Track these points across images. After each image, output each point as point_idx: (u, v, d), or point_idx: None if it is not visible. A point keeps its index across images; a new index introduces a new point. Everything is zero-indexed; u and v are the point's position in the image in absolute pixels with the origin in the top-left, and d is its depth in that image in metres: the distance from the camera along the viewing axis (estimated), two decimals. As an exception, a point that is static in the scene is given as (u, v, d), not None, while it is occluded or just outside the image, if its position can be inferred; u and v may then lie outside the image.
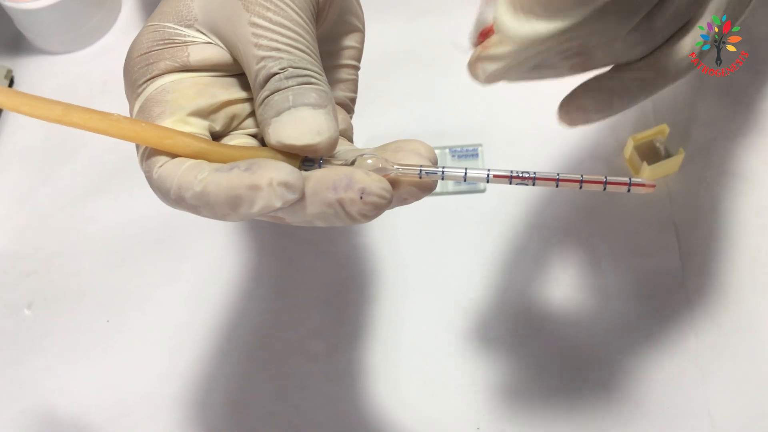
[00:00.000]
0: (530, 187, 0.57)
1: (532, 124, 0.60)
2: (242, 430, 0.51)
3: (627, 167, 0.58)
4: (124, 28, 0.70)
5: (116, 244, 0.58)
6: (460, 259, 0.56)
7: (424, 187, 0.31)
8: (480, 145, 0.60)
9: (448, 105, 0.62)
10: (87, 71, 0.67)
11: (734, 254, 0.54)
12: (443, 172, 0.30)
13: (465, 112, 0.62)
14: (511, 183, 0.31)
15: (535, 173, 0.30)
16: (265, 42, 0.29)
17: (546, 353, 0.52)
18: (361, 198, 0.28)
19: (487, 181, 0.31)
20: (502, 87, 0.62)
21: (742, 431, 0.49)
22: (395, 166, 0.30)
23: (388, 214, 0.57)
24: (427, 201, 0.58)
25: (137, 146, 0.30)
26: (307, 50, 0.30)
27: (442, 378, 0.52)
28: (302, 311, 0.55)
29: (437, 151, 0.59)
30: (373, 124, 0.59)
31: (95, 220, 0.60)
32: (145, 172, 0.30)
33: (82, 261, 0.58)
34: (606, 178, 0.30)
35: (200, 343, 0.54)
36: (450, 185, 0.58)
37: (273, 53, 0.29)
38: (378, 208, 0.28)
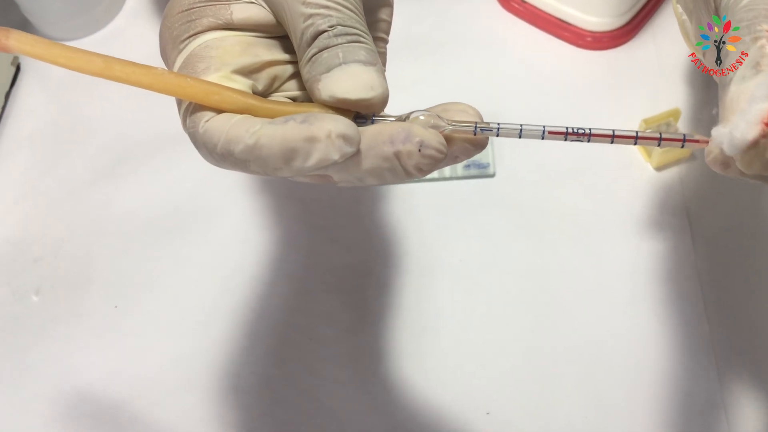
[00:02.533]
0: (539, 171, 0.58)
1: (543, 109, 0.60)
2: (252, 414, 0.51)
3: (638, 151, 0.57)
4: (132, 13, 0.69)
5: (124, 229, 0.58)
6: (470, 244, 0.55)
7: (477, 143, 0.30)
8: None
9: (456, 90, 0.62)
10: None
11: (748, 240, 0.53)
12: (499, 128, 0.30)
13: (474, 97, 0.60)
14: (566, 139, 0.30)
15: (590, 129, 0.30)
16: None
17: (556, 340, 0.51)
18: (419, 151, 0.27)
19: (542, 138, 0.30)
20: (509, 75, 0.63)
21: (758, 427, 0.48)
22: (450, 123, 0.29)
23: (400, 197, 0.57)
24: (436, 186, 0.58)
25: (179, 102, 0.30)
26: (355, 9, 0.30)
27: (452, 363, 0.51)
28: (312, 296, 0.54)
29: (446, 136, 0.58)
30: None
31: (103, 206, 0.59)
32: (189, 128, 0.29)
33: (89, 247, 0.58)
34: (660, 134, 0.29)
35: (209, 329, 0.54)
36: (460, 170, 0.58)
37: (321, 10, 0.29)
38: (435, 162, 0.28)
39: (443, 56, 0.64)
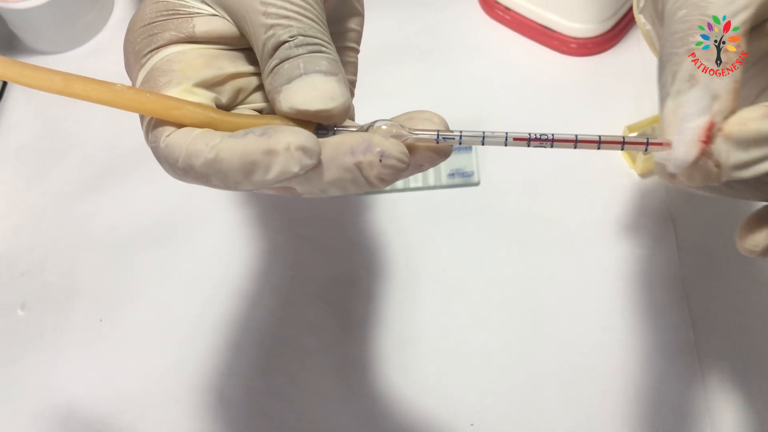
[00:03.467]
0: (524, 179, 0.57)
1: (527, 116, 0.60)
2: (236, 427, 0.51)
3: (622, 158, 0.57)
4: (118, 26, 0.70)
5: (109, 242, 0.58)
6: (454, 253, 0.55)
7: (441, 152, 0.30)
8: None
9: (441, 97, 0.62)
10: (81, 69, 0.66)
11: (732, 246, 0.53)
12: (461, 135, 0.30)
13: (459, 105, 0.61)
14: (529, 145, 0.30)
15: (553, 135, 0.30)
16: (273, 10, 0.29)
17: (541, 348, 0.51)
18: (380, 161, 0.27)
19: (505, 144, 0.30)
20: (493, 82, 0.63)
21: (741, 430, 0.48)
22: (412, 132, 0.29)
23: (384, 206, 0.57)
24: (420, 195, 0.58)
25: (142, 118, 0.30)
26: (317, 19, 0.29)
27: (437, 373, 0.51)
28: (296, 307, 0.54)
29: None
30: (366, 116, 0.58)
31: (88, 219, 0.59)
32: (151, 143, 0.29)
33: (75, 260, 0.58)
34: (624, 138, 0.29)
35: (195, 340, 0.53)
36: (444, 178, 0.58)
37: (282, 21, 0.29)
38: (397, 172, 0.28)
39: (428, 64, 0.64)
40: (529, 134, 0.30)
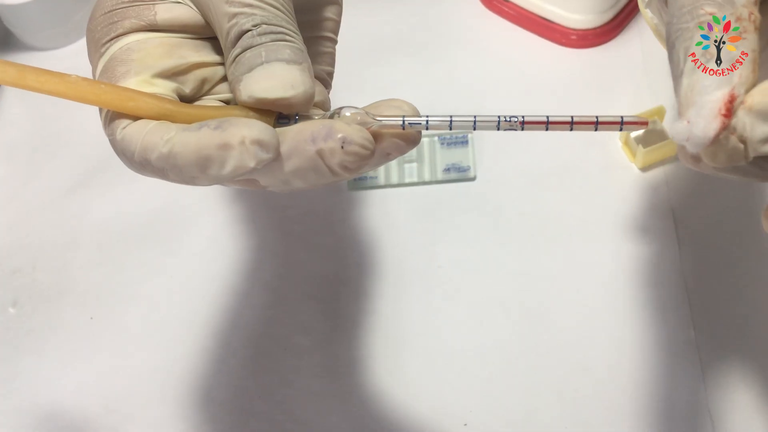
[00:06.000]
0: (522, 174, 0.56)
1: (527, 109, 0.58)
2: (225, 427, 0.50)
3: (622, 151, 0.56)
4: (112, 22, 0.69)
5: (101, 240, 0.57)
6: (450, 250, 0.54)
7: (408, 138, 0.29)
8: (470, 132, 0.58)
9: (436, 93, 0.60)
10: (75, 66, 0.66)
11: (734, 242, 0.52)
12: (427, 121, 0.28)
13: (454, 100, 0.60)
14: (498, 129, 0.29)
15: (523, 117, 0.28)
16: None
17: (537, 347, 0.50)
18: (342, 148, 0.26)
19: (474, 128, 0.29)
20: (492, 76, 0.61)
21: (743, 430, 0.46)
22: (377, 118, 0.28)
23: (377, 202, 0.56)
24: (414, 190, 0.57)
25: (100, 109, 0.29)
26: (282, 7, 0.29)
27: (430, 373, 0.50)
28: (289, 306, 0.53)
29: (426, 140, 0.57)
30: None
31: (80, 217, 0.59)
32: (108, 136, 0.29)
33: (67, 258, 0.57)
34: (597, 117, 0.28)
35: (184, 339, 0.53)
36: (439, 173, 0.56)
37: (246, 9, 0.28)
38: (361, 159, 0.27)
39: (426, 57, 0.63)
40: (499, 117, 0.29)
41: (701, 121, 0.26)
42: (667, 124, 0.55)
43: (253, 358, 0.52)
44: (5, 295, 0.56)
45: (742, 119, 0.26)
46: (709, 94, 0.26)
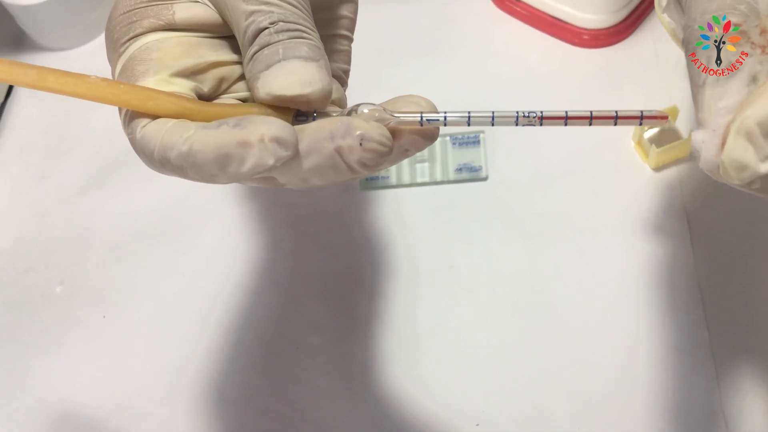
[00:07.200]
0: (534, 174, 0.56)
1: (539, 110, 0.58)
2: (237, 426, 0.50)
3: (635, 151, 0.56)
4: (125, 22, 0.69)
5: (113, 238, 0.58)
6: (461, 250, 0.54)
7: (426, 135, 0.29)
8: (482, 131, 0.58)
9: (447, 92, 0.60)
10: (89, 66, 0.66)
11: (748, 243, 0.51)
12: (445, 117, 0.28)
13: (465, 100, 0.60)
14: (517, 124, 0.29)
15: (542, 112, 0.28)
16: None
17: (550, 347, 0.50)
18: (360, 145, 0.26)
19: (492, 124, 0.29)
20: (504, 76, 0.61)
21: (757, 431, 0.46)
22: (394, 115, 0.28)
23: (389, 202, 0.56)
24: (427, 190, 0.57)
25: (119, 109, 0.29)
26: (299, 5, 0.29)
27: (442, 372, 0.50)
28: (299, 304, 0.53)
29: (437, 140, 0.57)
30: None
31: (93, 215, 0.59)
32: (128, 135, 0.29)
33: (79, 256, 0.57)
34: (617, 112, 0.28)
35: (196, 338, 0.53)
36: (451, 173, 0.56)
37: (263, 7, 0.28)
38: (379, 156, 0.27)
39: (438, 57, 0.63)
40: (517, 112, 0.29)
41: (711, 148, 0.27)
42: (680, 124, 0.55)
43: (265, 357, 0.52)
44: (18, 293, 0.56)
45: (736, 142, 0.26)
46: (722, 117, 0.26)
